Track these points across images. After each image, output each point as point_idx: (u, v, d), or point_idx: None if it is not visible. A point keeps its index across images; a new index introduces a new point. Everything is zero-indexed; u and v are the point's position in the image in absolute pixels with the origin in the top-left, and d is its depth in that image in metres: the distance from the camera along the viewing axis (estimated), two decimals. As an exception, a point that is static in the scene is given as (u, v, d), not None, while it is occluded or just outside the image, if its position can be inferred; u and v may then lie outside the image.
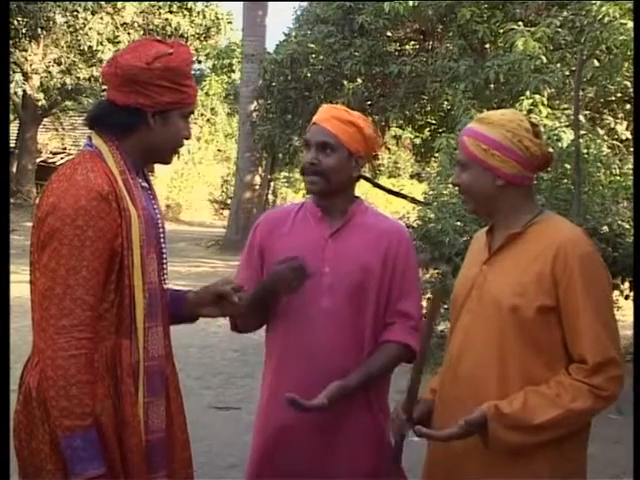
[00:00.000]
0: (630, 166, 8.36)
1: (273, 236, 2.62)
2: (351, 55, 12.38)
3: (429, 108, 13.58)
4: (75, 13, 22.23)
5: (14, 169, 24.50)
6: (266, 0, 19.77)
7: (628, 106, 10.20)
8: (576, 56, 9.15)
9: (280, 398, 2.43)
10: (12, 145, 24.74)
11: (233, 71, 30.85)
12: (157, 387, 2.14)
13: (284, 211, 2.75)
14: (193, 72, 2.36)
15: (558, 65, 9.63)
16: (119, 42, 22.43)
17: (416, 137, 15.47)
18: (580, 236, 2.22)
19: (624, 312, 7.66)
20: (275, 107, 14.14)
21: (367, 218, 2.63)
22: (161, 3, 24.15)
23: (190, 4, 24.72)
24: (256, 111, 16.44)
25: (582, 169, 7.38)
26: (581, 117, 8.63)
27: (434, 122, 14.19)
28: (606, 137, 9.66)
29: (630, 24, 7.76)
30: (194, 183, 29.99)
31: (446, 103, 11.58)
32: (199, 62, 28.98)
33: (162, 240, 2.24)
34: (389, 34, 12.89)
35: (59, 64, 23.16)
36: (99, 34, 22.31)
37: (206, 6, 25.28)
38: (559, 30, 9.39)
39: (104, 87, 2.47)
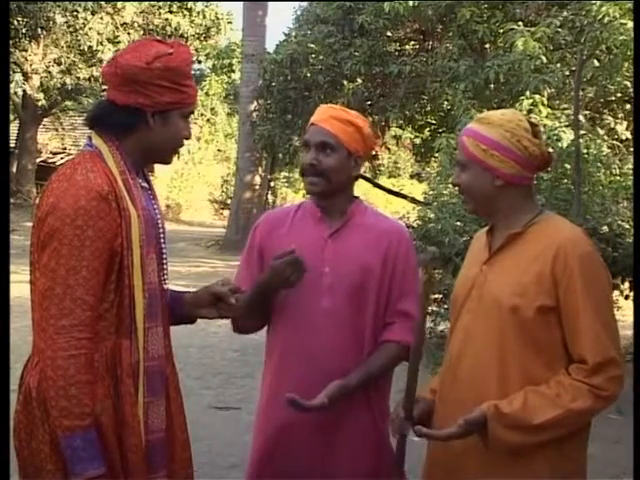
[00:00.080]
0: (630, 166, 8.36)
1: (272, 236, 2.62)
2: (351, 55, 12.38)
3: (429, 108, 13.59)
4: (75, 13, 22.23)
5: (14, 169, 24.50)
6: (266, 0, 19.77)
7: (628, 106, 10.20)
8: (576, 56, 9.15)
9: (280, 398, 2.43)
10: (12, 145, 24.74)
11: (233, 71, 30.85)
12: (157, 387, 2.14)
13: (284, 211, 2.75)
14: (193, 72, 2.37)
15: (558, 65, 9.63)
16: (119, 42, 22.43)
17: (416, 137, 15.48)
18: (580, 236, 2.22)
19: (624, 312, 7.66)
20: (275, 107, 14.14)
21: (367, 218, 2.63)
22: (161, 3, 24.15)
23: (190, 4, 24.72)
24: (256, 111, 16.44)
25: (582, 169, 7.38)
26: (581, 117, 8.63)
27: (434, 122, 14.19)
28: (606, 137, 9.66)
29: (630, 24, 7.76)
30: (194, 183, 29.99)
31: (446, 103, 11.59)
32: (199, 62, 28.98)
33: (162, 240, 2.24)
34: (389, 34, 12.89)
35: (59, 64, 23.16)
36: (99, 34, 22.31)
37: (206, 6, 25.28)
38: (559, 30, 9.38)
39: (104, 87, 2.47)
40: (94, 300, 2.02)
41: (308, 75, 13.21)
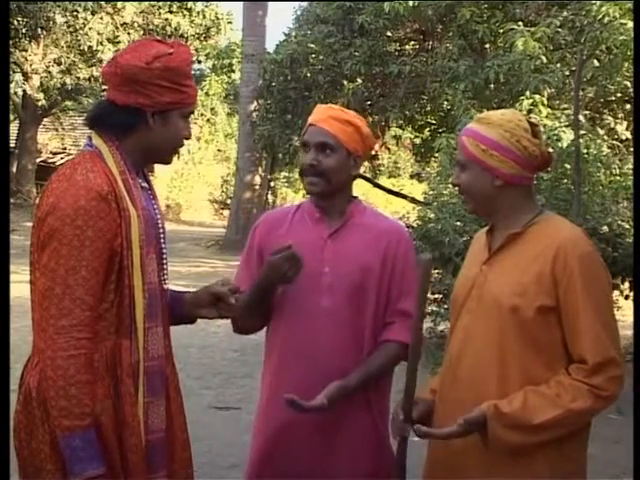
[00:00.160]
0: (630, 166, 8.36)
1: (272, 237, 2.62)
2: (351, 55, 12.38)
3: (429, 108, 13.59)
4: (75, 13, 22.23)
5: (14, 169, 24.50)
6: (266, 0, 19.77)
7: (628, 106, 10.20)
8: (576, 56, 9.15)
9: (280, 398, 2.43)
10: (12, 145, 24.74)
11: (233, 71, 30.85)
12: (157, 387, 2.14)
13: (283, 212, 2.75)
14: (193, 72, 2.36)
15: (558, 65, 9.63)
16: (119, 42, 22.42)
17: (416, 137, 15.48)
18: (580, 236, 2.22)
19: (624, 312, 7.67)
20: (275, 107, 14.14)
21: (366, 218, 2.63)
22: (161, 3, 24.15)
23: (190, 4, 24.71)
24: (256, 111, 16.44)
25: (582, 169, 7.38)
26: (581, 117, 8.63)
27: (434, 122, 14.20)
28: (606, 137, 9.66)
29: (630, 24, 7.76)
30: (194, 183, 29.99)
31: (446, 103, 11.58)
32: (199, 62, 28.98)
33: (162, 240, 2.24)
34: (389, 34, 12.89)
35: (59, 64, 23.15)
36: (99, 34, 22.31)
37: (206, 6, 25.27)
38: (559, 30, 9.38)
39: (104, 87, 2.47)
40: (94, 300, 2.02)
41: (308, 75, 13.21)
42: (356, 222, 2.60)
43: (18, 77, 24.19)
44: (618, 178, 8.13)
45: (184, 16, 24.53)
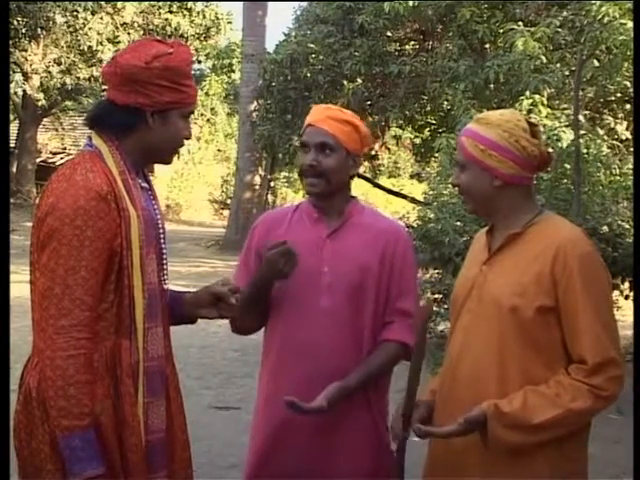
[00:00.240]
0: (630, 166, 8.36)
1: (270, 237, 2.61)
2: (351, 55, 12.38)
3: (429, 108, 13.59)
4: (75, 13, 22.23)
5: (14, 169, 24.50)
6: (266, 0, 19.77)
7: (628, 106, 10.20)
8: (576, 56, 9.15)
9: (279, 398, 2.42)
10: (12, 145, 24.74)
11: (233, 71, 30.84)
12: (157, 387, 2.14)
13: (281, 212, 2.76)
14: (193, 72, 2.36)
15: (558, 65, 9.63)
16: (119, 42, 22.43)
17: (416, 137, 15.49)
18: (580, 236, 2.22)
19: (624, 312, 7.67)
20: (275, 107, 14.15)
21: (364, 217, 2.63)
22: (161, 3, 24.15)
23: (190, 4, 24.71)
24: (256, 111, 16.44)
25: (582, 169, 7.38)
26: (581, 117, 8.63)
27: (434, 122, 14.20)
28: (606, 137, 9.66)
29: (630, 24, 7.76)
30: (194, 183, 29.98)
31: (446, 103, 11.58)
32: (199, 62, 28.98)
33: (162, 240, 2.24)
34: (389, 34, 12.90)
35: (59, 64, 23.15)
36: (99, 34, 22.31)
37: (206, 6, 25.27)
38: (559, 30, 9.39)
39: (104, 87, 2.47)
40: (93, 300, 2.02)
41: (308, 75, 13.21)
42: (355, 222, 2.61)
43: (18, 77, 24.20)
44: (618, 178, 8.13)
45: (184, 16, 24.53)
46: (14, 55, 22.16)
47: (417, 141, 15.63)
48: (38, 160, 26.09)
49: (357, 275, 2.52)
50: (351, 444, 2.53)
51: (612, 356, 2.11)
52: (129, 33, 23.19)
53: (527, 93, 8.73)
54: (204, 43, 26.72)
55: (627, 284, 7.40)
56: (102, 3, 22.59)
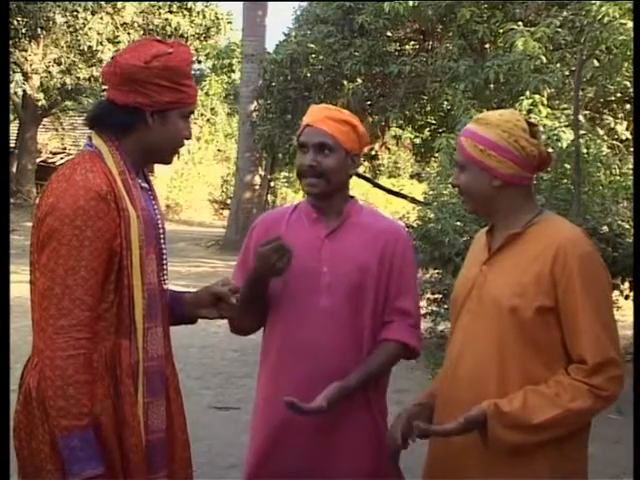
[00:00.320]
0: (630, 166, 8.36)
1: (268, 237, 2.61)
2: (351, 55, 12.38)
3: (429, 108, 13.59)
4: (75, 13, 22.23)
5: (14, 169, 24.50)
6: (266, 0, 19.77)
7: (628, 106, 10.20)
8: (576, 56, 9.15)
9: (278, 398, 2.42)
10: (12, 145, 24.74)
11: (233, 71, 30.84)
12: (157, 387, 2.14)
13: (280, 212, 2.75)
14: (193, 72, 2.36)
15: (558, 65, 9.63)
16: (119, 42, 22.43)
17: (416, 137, 15.49)
18: (580, 236, 2.22)
19: (624, 312, 7.67)
20: (275, 107, 14.15)
21: (363, 217, 2.63)
22: (161, 3, 24.15)
23: (190, 4, 24.71)
24: (256, 111, 16.44)
25: (582, 169, 7.38)
26: (581, 117, 8.63)
27: (434, 122, 14.20)
28: (606, 137, 9.67)
29: (630, 24, 7.76)
30: (194, 183, 29.98)
31: (446, 103, 11.58)
32: (199, 62, 28.98)
33: (162, 240, 2.24)
34: (389, 34, 12.89)
35: (59, 64, 23.15)
36: (99, 34, 22.31)
37: (206, 6, 25.27)
38: (559, 30, 9.38)
39: (104, 87, 2.47)
40: (93, 300, 2.02)
41: (308, 75, 13.21)
42: (353, 222, 2.60)
43: (18, 77, 24.20)
44: (618, 178, 8.13)
45: (184, 16, 24.53)
46: (14, 55, 22.16)
47: (417, 141, 15.63)
48: (38, 160, 26.09)
49: (356, 275, 2.52)
50: (351, 444, 2.53)
51: (612, 356, 2.11)
52: (129, 33, 23.19)
53: (527, 93, 8.72)
54: (204, 43, 26.72)
55: (627, 284, 7.40)
56: (102, 3, 22.59)
